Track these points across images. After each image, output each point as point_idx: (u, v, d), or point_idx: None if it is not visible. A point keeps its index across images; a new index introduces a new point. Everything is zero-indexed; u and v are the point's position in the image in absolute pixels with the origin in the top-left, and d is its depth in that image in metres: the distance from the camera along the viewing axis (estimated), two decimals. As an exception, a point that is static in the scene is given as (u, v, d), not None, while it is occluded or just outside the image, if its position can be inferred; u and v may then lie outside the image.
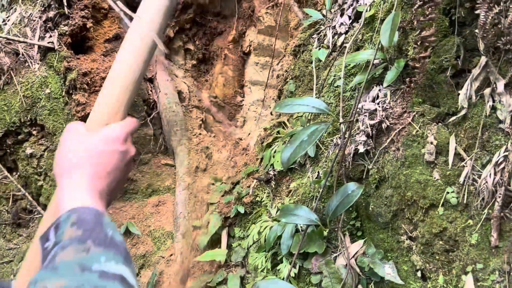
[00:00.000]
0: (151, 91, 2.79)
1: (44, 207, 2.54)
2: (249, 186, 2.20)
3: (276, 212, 1.88)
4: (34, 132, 2.49)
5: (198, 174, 2.71)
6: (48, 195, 2.48)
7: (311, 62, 2.10)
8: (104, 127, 0.79)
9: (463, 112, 1.32)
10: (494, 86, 1.26)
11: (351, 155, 1.53)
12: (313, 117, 1.98)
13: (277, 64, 2.71)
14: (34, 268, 0.78)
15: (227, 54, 3.04)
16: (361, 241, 1.46)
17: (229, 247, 2.21)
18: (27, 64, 2.50)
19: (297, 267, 1.62)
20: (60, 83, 2.43)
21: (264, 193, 2.11)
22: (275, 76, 2.65)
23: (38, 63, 2.50)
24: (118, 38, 2.72)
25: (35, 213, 2.54)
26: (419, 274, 1.34)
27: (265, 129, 2.41)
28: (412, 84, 1.46)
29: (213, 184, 2.68)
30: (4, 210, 2.61)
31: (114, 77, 0.93)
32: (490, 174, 1.21)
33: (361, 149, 1.49)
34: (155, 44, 0.94)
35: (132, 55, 0.94)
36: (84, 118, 2.41)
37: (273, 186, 2.04)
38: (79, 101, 2.37)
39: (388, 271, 1.34)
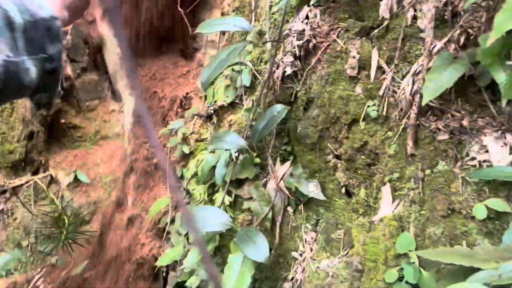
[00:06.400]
0: (94, 31, 2.65)
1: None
2: (194, 125, 2.15)
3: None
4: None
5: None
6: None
7: (250, -9, 2.01)
8: None
9: (385, 24, 1.27)
10: (415, -7, 1.22)
11: (279, 78, 1.48)
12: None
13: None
14: None
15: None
16: (288, 163, 1.44)
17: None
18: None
19: (233, 196, 1.61)
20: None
21: (208, 130, 2.06)
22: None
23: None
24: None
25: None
26: (343, 190, 1.34)
27: (209, 67, 2.33)
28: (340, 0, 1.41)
29: (163, 128, 2.62)
30: None
31: None
32: (409, 84, 1.19)
33: (289, 70, 1.44)
34: None
35: None
36: None
37: (215, 122, 2.00)
38: None
39: (311, 188, 1.33)
